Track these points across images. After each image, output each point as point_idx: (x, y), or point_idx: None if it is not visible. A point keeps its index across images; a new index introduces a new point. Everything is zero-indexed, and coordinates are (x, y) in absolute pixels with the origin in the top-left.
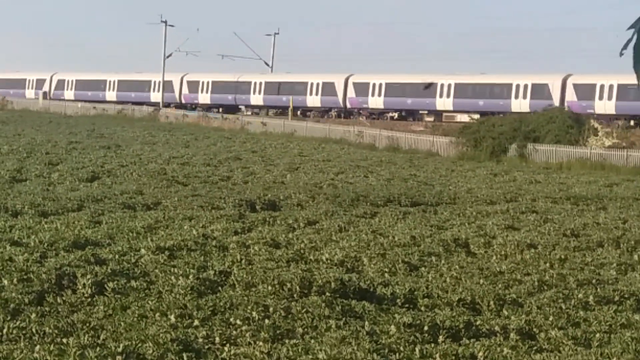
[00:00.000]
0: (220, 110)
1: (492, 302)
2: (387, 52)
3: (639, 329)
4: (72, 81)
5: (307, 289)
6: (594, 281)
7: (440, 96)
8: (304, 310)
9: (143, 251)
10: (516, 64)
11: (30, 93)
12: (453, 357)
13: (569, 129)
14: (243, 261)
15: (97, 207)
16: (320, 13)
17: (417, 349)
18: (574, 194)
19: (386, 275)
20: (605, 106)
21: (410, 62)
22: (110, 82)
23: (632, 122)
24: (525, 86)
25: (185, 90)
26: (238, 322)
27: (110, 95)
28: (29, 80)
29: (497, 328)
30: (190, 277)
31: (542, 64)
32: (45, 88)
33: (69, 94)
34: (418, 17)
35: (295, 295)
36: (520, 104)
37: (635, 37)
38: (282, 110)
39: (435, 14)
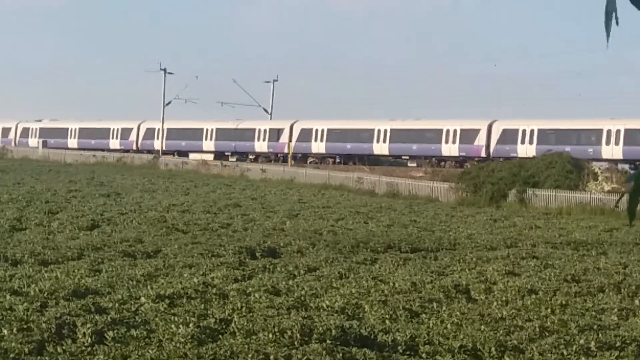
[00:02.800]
0: (337, 160)
1: (493, 349)
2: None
3: None
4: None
5: (308, 337)
6: (595, 327)
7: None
8: (305, 358)
9: (143, 299)
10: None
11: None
12: None
13: (569, 174)
14: (243, 309)
15: (97, 255)
16: (320, 58)
17: None
18: (574, 239)
19: (387, 322)
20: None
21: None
22: (208, 129)
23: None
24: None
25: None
26: None
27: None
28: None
29: None
30: (191, 325)
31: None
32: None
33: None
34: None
35: (296, 343)
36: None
37: None
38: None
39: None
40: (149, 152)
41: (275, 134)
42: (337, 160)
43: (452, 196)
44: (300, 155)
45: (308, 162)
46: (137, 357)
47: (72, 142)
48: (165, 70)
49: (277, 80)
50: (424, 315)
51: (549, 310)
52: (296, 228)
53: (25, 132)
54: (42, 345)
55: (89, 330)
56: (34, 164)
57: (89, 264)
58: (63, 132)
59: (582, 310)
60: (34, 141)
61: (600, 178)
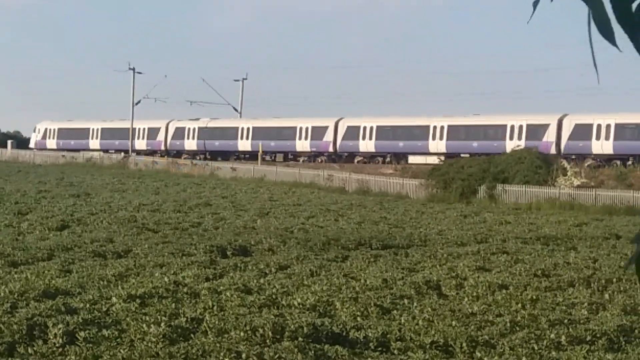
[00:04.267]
0: (387, 159)
1: (464, 344)
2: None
3: None
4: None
5: (280, 335)
6: (565, 321)
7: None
8: (277, 356)
9: (114, 299)
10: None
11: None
12: None
13: (538, 169)
14: (215, 307)
15: (67, 256)
16: (289, 57)
17: None
18: (544, 234)
19: (358, 319)
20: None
21: (375, 104)
22: (243, 128)
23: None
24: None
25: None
26: None
27: (244, 144)
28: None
29: None
30: (162, 324)
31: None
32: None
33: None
34: (385, 60)
35: (267, 341)
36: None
37: None
38: None
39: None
40: (178, 153)
41: (319, 131)
42: (388, 159)
43: (422, 193)
44: (346, 154)
45: (355, 161)
46: (108, 357)
47: (94, 144)
48: (134, 69)
49: (246, 79)
50: (395, 311)
51: (519, 305)
52: (267, 226)
53: (45, 134)
54: (12, 346)
55: (60, 331)
56: (2, 165)
57: (59, 265)
58: (84, 133)
59: (552, 304)
60: (52, 142)
61: (569, 173)
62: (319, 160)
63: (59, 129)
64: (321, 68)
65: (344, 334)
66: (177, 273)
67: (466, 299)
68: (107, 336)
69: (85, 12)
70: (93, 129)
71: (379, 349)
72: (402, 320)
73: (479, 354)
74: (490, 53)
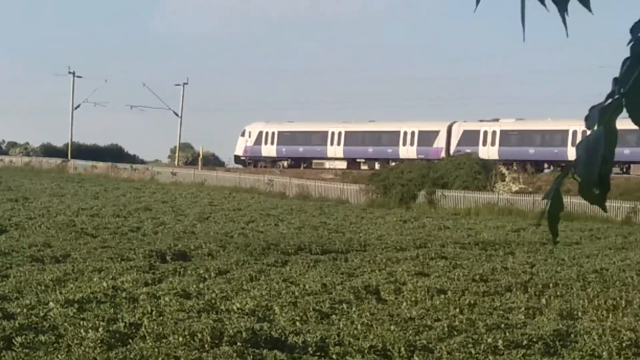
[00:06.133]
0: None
1: (402, 349)
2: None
3: None
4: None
5: (219, 339)
6: (502, 325)
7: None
8: None
9: (52, 304)
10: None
11: None
12: None
13: (477, 175)
14: (154, 312)
15: (5, 260)
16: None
17: None
18: (482, 239)
19: (297, 323)
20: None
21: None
22: (334, 132)
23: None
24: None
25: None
26: None
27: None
28: None
29: None
30: (100, 329)
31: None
32: None
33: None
34: (332, 65)
35: (206, 346)
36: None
37: None
38: None
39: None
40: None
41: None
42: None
43: (362, 198)
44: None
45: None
46: None
47: (334, 150)
48: (74, 73)
49: (187, 84)
50: (334, 316)
51: (457, 309)
52: (207, 231)
53: (259, 138)
54: None
55: None
56: None
57: None
58: (318, 137)
59: (489, 309)
60: (270, 149)
61: (507, 179)
62: None
63: (280, 133)
64: (270, 72)
65: (283, 338)
66: (116, 278)
67: (405, 304)
68: (45, 341)
69: (25, 14)
70: (333, 132)
71: (318, 353)
72: (341, 325)
73: (416, 358)
74: (432, 59)
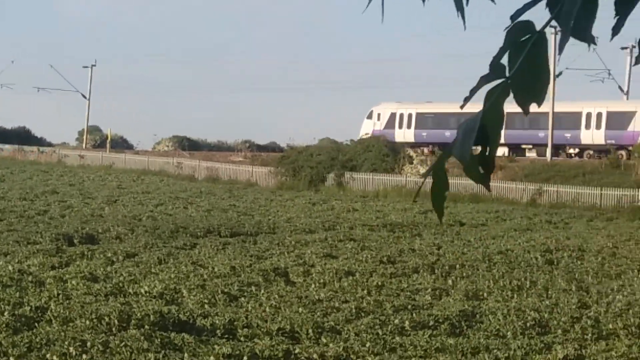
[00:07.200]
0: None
1: (310, 330)
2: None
3: (452, 352)
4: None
5: (126, 323)
6: (409, 307)
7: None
8: (123, 344)
9: None
10: None
11: None
12: None
13: (385, 157)
14: (60, 296)
15: None
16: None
17: None
18: (390, 221)
19: (206, 306)
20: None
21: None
22: None
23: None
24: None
25: None
26: (55, 358)
27: None
28: None
29: (315, 356)
30: (5, 313)
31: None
32: None
33: None
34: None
35: (113, 329)
36: None
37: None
38: None
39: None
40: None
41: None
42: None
43: (271, 180)
44: None
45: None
46: None
47: None
48: None
49: (95, 65)
50: (242, 298)
51: (365, 291)
52: (115, 214)
53: (392, 120)
54: None
55: None
56: None
57: None
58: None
59: (397, 290)
60: (405, 133)
61: (415, 161)
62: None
63: (419, 115)
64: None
65: (191, 321)
66: (22, 261)
67: (313, 286)
68: None
69: None
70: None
71: (226, 336)
72: (250, 308)
73: (324, 340)
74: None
